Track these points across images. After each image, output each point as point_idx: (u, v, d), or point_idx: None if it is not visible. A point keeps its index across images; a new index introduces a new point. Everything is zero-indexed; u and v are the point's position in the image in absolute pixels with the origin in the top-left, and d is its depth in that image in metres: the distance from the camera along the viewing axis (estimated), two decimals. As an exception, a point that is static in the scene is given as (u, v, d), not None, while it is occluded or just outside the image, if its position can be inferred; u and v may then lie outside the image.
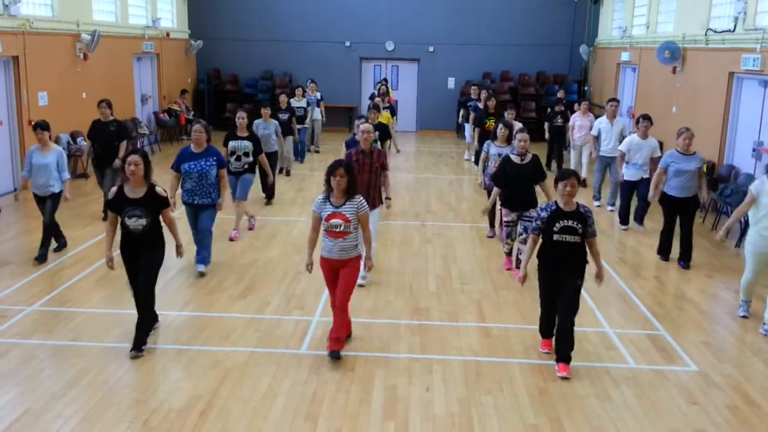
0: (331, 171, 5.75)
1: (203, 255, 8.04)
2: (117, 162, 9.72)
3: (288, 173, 13.99)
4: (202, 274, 7.99)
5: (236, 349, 6.17)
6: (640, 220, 10.57)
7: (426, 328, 6.79)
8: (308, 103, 15.80)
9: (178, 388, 5.46)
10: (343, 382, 5.63)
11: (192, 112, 19.18)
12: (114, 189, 6.05)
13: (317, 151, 16.82)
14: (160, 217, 6.09)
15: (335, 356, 5.90)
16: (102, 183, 10.20)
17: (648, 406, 5.42)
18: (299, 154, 15.43)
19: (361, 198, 5.93)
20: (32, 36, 12.11)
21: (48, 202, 8.46)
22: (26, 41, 11.94)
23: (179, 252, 6.44)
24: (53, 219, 8.53)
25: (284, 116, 13.46)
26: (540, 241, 5.94)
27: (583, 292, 6.26)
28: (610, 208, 11.62)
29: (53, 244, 8.71)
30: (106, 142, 10.06)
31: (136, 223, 5.91)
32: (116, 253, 6.16)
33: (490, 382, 5.73)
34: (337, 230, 5.80)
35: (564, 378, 5.74)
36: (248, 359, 5.98)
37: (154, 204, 5.98)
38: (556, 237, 5.75)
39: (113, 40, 15.15)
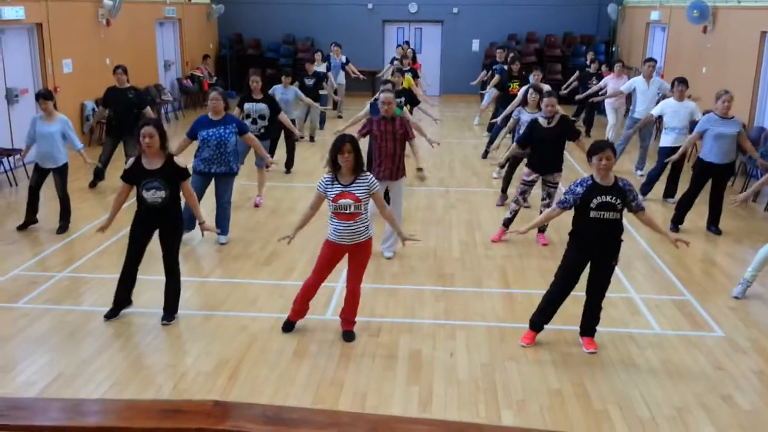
0: (337, 148, 5.31)
1: (224, 226, 7.92)
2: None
3: (312, 139, 13.98)
4: (222, 244, 7.96)
5: (262, 315, 6.26)
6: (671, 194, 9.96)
7: (450, 293, 6.81)
8: (330, 68, 15.68)
9: (207, 352, 5.56)
10: (367, 347, 5.69)
11: (215, 78, 19.16)
12: (131, 160, 5.88)
13: (340, 116, 16.74)
14: (179, 191, 5.91)
15: (350, 337, 5.74)
16: (107, 150, 10.19)
17: (673, 371, 5.42)
18: (321, 121, 15.37)
19: (370, 175, 5.52)
20: (55, 2, 12.12)
21: (56, 177, 8.26)
22: (49, 8, 11.96)
23: (204, 228, 6.19)
24: (65, 191, 8.36)
25: (310, 82, 13.40)
26: (572, 214, 5.52)
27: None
28: (639, 173, 11.41)
29: (56, 224, 8.39)
30: (126, 110, 9.90)
31: (155, 195, 5.70)
32: (123, 232, 6.03)
33: (514, 347, 5.75)
34: (347, 212, 5.38)
35: (593, 353, 5.60)
36: (274, 325, 6.05)
37: (173, 175, 5.77)
38: (593, 214, 5.30)
39: (135, 5, 15.12)
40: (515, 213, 8.25)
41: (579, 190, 5.37)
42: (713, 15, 12.96)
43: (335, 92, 16.33)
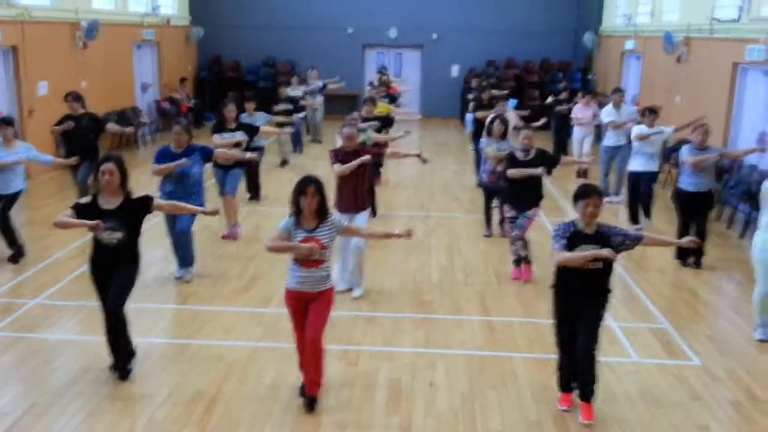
0: (300, 190, 4.90)
1: (186, 260, 7.56)
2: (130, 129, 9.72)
3: (285, 163, 13.90)
4: (186, 281, 7.53)
5: (239, 344, 6.19)
6: (646, 212, 10.11)
7: (430, 321, 6.80)
8: (306, 92, 15.66)
9: (183, 383, 5.47)
10: (347, 376, 5.65)
11: (193, 101, 19.12)
12: (87, 199, 5.41)
13: (319, 142, 16.72)
14: (138, 231, 5.45)
15: (312, 403, 5.10)
16: (75, 176, 9.58)
17: (650, 400, 5.43)
18: (297, 144, 15.28)
19: (334, 216, 5.18)
20: (31, 25, 12.06)
21: (3, 203, 7.87)
22: (25, 30, 11.90)
23: (209, 212, 5.96)
24: (5, 218, 7.89)
25: (281, 107, 13.40)
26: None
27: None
28: (616, 199, 11.55)
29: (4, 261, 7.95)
30: (78, 138, 9.37)
31: (111, 236, 5.24)
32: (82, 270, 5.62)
33: (494, 376, 5.74)
34: (311, 259, 4.96)
35: (588, 425, 5.03)
36: (251, 354, 5.99)
37: (133, 213, 5.34)
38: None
39: (112, 28, 15.08)
40: (518, 255, 7.90)
41: (565, 235, 4.94)
42: (687, 45, 13.23)
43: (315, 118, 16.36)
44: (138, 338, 5.89)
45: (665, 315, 7.08)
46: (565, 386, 5.28)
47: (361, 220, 7.17)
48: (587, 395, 5.09)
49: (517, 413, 5.20)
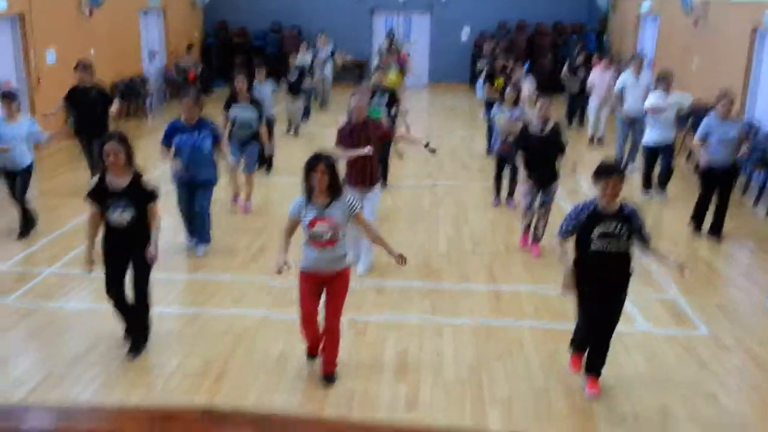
0: (310, 167, 4.78)
1: (203, 236, 7.54)
2: (115, 104, 9.28)
3: (296, 132, 13.88)
4: (198, 255, 7.50)
5: (249, 313, 6.25)
6: (663, 186, 9.91)
7: (437, 290, 6.83)
8: (317, 57, 15.54)
9: (194, 353, 5.55)
10: (354, 346, 5.70)
11: (200, 67, 18.99)
12: (94, 179, 5.30)
13: (325, 109, 16.60)
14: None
15: (330, 379, 5.11)
16: (90, 155, 9.26)
17: (658, 370, 5.46)
18: (305, 114, 15.22)
19: (350, 197, 5.03)
20: (38, -7, 11.98)
21: (18, 180, 7.82)
22: (32, -2, 11.81)
23: (150, 255, 5.24)
24: (26, 196, 7.91)
25: (293, 77, 13.31)
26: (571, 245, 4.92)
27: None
28: (630, 166, 11.39)
29: (17, 228, 7.97)
30: (88, 110, 9.22)
31: (121, 216, 5.12)
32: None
33: (501, 345, 5.77)
34: (324, 238, 4.82)
35: (594, 396, 5.03)
36: (260, 323, 6.05)
37: (140, 195, 5.20)
38: (595, 246, 4.73)
39: (119, -6, 14.96)
40: (529, 222, 7.79)
41: (582, 216, 4.80)
42: (705, 8, 12.96)
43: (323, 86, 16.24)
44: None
45: (675, 284, 7.07)
46: (581, 346, 5.17)
47: (374, 198, 7.00)
48: (595, 369, 5.07)
49: (525, 382, 5.25)
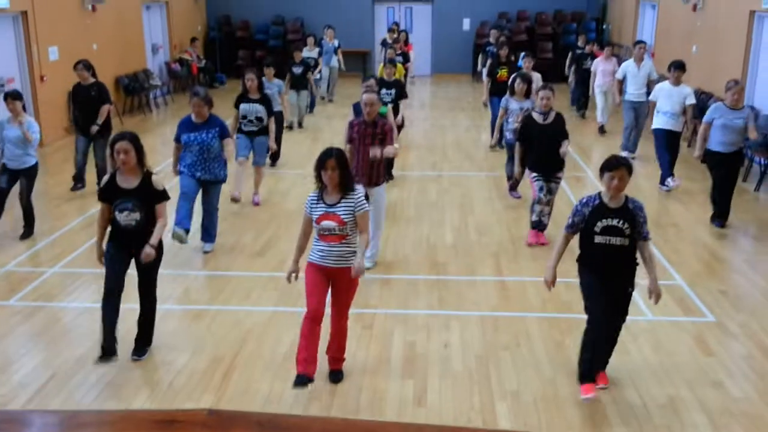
0: (321, 164, 4.80)
1: (210, 233, 7.57)
2: (93, 128, 9.25)
3: (300, 125, 13.87)
4: (205, 251, 7.52)
5: (256, 309, 6.26)
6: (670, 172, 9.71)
7: (444, 283, 6.83)
8: (322, 52, 15.54)
9: (201, 350, 5.56)
10: (362, 340, 5.71)
11: (204, 61, 19.00)
12: (106, 177, 5.30)
13: (330, 101, 16.62)
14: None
15: (337, 377, 5.11)
16: (79, 150, 9.49)
17: (664, 357, 5.47)
18: (310, 106, 15.20)
19: (360, 194, 4.98)
20: (39, -10, 11.97)
21: (22, 180, 7.84)
22: (34, -5, 11.81)
23: (146, 252, 5.14)
24: (29, 197, 7.93)
25: (298, 70, 13.29)
26: (573, 239, 4.91)
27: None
28: (631, 155, 11.39)
29: (20, 230, 7.97)
30: (86, 107, 9.32)
31: (129, 217, 5.13)
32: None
33: (508, 336, 5.78)
34: (331, 234, 4.86)
35: (602, 388, 4.97)
36: (269, 319, 6.06)
37: (150, 195, 5.19)
38: (598, 239, 4.73)
39: (121, -10, 14.94)
40: (540, 216, 7.69)
41: (585, 210, 4.80)
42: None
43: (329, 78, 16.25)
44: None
45: (680, 271, 7.06)
46: (589, 375, 4.86)
47: (380, 194, 6.95)
48: (603, 366, 5.06)
49: (532, 372, 5.26)
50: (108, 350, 5.23)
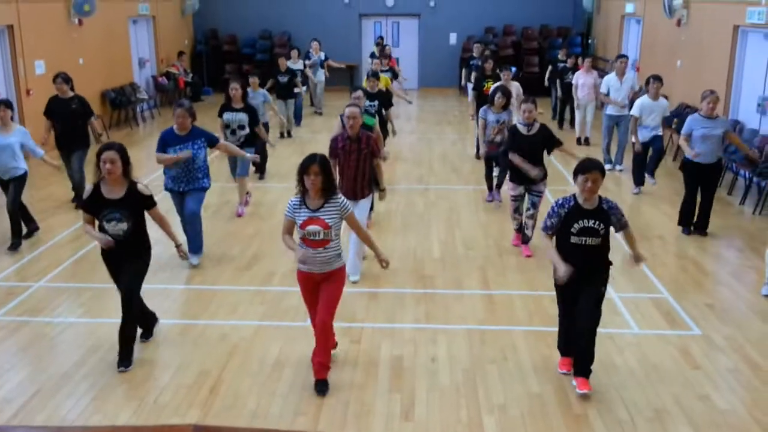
0: (304, 169, 4.85)
1: (196, 244, 7.49)
2: (102, 138, 9.20)
3: (289, 134, 13.90)
4: (193, 265, 7.46)
5: (243, 323, 6.24)
6: (651, 173, 10.15)
7: (431, 296, 6.84)
8: (308, 65, 15.62)
9: (187, 364, 5.53)
10: (349, 354, 5.69)
11: (191, 75, 19.00)
12: (89, 188, 5.31)
13: (319, 113, 16.68)
14: (144, 219, 5.41)
15: (322, 387, 5.11)
16: (69, 166, 9.39)
17: (651, 371, 5.48)
18: (297, 118, 15.23)
19: (342, 198, 5.05)
20: (26, 3, 11.95)
21: (11, 187, 7.87)
22: (20, 9, 11.78)
23: (180, 252, 5.74)
24: (16, 204, 7.95)
25: (284, 79, 13.33)
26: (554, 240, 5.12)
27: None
28: (618, 167, 11.55)
29: (7, 243, 7.99)
30: (67, 121, 9.21)
31: (116, 227, 5.18)
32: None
33: (494, 350, 5.79)
34: (316, 239, 4.92)
35: (584, 395, 5.09)
36: (255, 333, 6.04)
37: (136, 205, 5.26)
38: (574, 239, 4.92)
39: (108, 4, 14.92)
40: (520, 224, 7.93)
41: (561, 211, 4.98)
42: (687, 8, 13.07)
43: (315, 88, 16.32)
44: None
45: (666, 284, 7.11)
46: (564, 351, 5.42)
47: (363, 208, 7.01)
48: (584, 371, 5.13)
49: (519, 386, 5.26)
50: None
